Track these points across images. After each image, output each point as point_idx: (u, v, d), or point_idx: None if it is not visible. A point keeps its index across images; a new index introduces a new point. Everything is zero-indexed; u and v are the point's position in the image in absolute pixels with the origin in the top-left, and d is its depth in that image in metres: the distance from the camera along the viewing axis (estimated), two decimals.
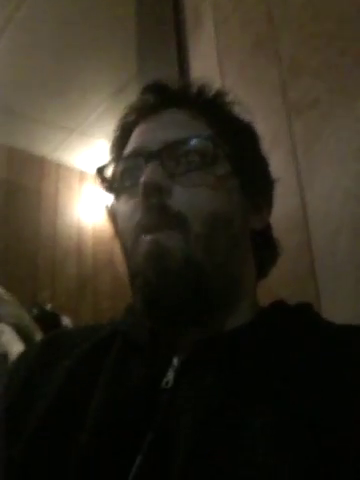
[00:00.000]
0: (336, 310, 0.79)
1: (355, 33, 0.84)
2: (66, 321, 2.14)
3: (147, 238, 0.50)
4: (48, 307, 2.19)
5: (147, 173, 0.50)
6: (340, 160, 0.83)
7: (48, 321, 2.02)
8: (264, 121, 0.96)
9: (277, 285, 0.81)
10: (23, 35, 2.18)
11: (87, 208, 3.16)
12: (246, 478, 0.39)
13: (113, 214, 0.58)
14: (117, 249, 0.59)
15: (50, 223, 2.98)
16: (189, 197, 0.51)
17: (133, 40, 1.48)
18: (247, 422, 0.42)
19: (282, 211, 0.88)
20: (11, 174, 2.90)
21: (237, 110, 0.62)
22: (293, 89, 0.93)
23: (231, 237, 0.53)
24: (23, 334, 1.70)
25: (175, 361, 0.49)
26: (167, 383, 0.48)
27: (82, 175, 3.22)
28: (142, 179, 0.50)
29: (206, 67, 1.16)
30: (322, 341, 0.49)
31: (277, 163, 0.91)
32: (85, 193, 3.18)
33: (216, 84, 1.06)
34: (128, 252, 0.54)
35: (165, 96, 0.60)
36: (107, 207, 0.60)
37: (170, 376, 0.48)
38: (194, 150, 0.53)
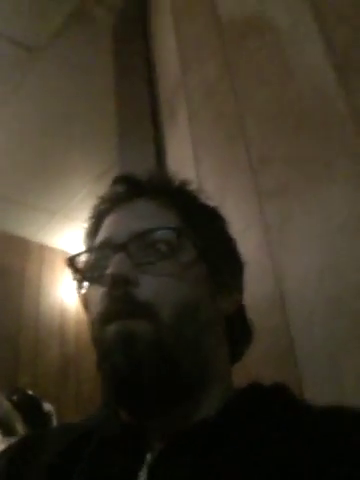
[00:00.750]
0: (317, 389, 0.79)
1: (316, 124, 0.91)
2: (48, 407, 2.06)
3: (112, 326, 0.51)
4: (29, 393, 2.12)
5: (114, 264, 0.52)
6: (311, 241, 0.87)
7: (29, 408, 1.95)
8: (237, 206, 1.01)
9: (257, 366, 0.82)
10: (12, 123, 2.28)
11: (70, 289, 3.16)
12: None
13: (85, 302, 0.60)
14: None
15: (33, 304, 2.96)
16: (156, 286, 0.52)
17: (114, 130, 1.56)
18: None
19: (259, 293, 0.91)
20: None
21: (202, 197, 0.66)
22: (263, 176, 0.99)
23: (200, 323, 0.54)
24: (3, 424, 1.65)
25: (148, 457, 0.49)
26: None
27: (65, 256, 3.21)
28: (108, 270, 0.52)
29: (182, 155, 1.23)
30: (296, 422, 0.49)
31: (251, 245, 0.96)
32: (68, 274, 3.18)
33: (191, 171, 1.13)
34: (96, 340, 0.54)
35: (134, 187, 0.63)
36: (80, 296, 0.62)
37: (143, 473, 0.47)
38: (160, 240, 0.55)
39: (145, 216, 0.58)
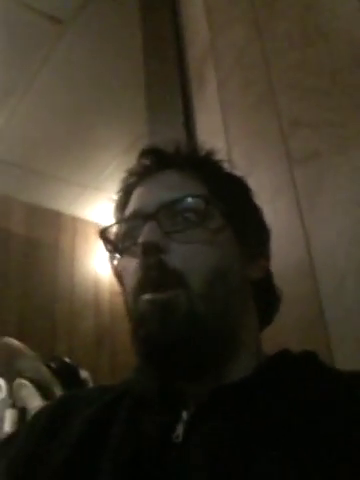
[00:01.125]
0: (347, 355, 0.79)
1: (347, 88, 0.89)
2: (84, 374, 2.12)
3: (148, 297, 0.52)
4: (67, 360, 2.18)
5: (145, 233, 0.53)
6: (342, 207, 0.85)
7: (67, 374, 2.01)
8: (267, 172, 1.00)
9: (287, 334, 0.82)
10: (41, 99, 2.30)
11: (104, 260, 3.20)
12: None
13: (118, 273, 0.61)
14: None
15: (67, 276, 3.02)
16: (185, 253, 0.54)
17: (142, 100, 1.56)
18: (258, 473, 0.42)
19: (289, 259, 0.90)
20: (29, 230, 2.97)
21: (229, 166, 0.67)
22: (293, 141, 0.97)
23: (229, 289, 0.55)
24: (42, 388, 1.71)
25: (184, 415, 0.50)
26: (177, 437, 0.48)
27: (97, 228, 3.24)
28: (140, 239, 0.53)
29: (211, 123, 1.21)
30: (327, 388, 0.50)
31: (281, 212, 0.95)
32: (101, 246, 3.22)
33: (220, 139, 1.12)
34: (130, 310, 0.56)
35: (160, 159, 0.64)
36: (113, 267, 0.63)
37: (179, 430, 0.49)
38: (188, 208, 0.56)
39: (173, 186, 0.59)
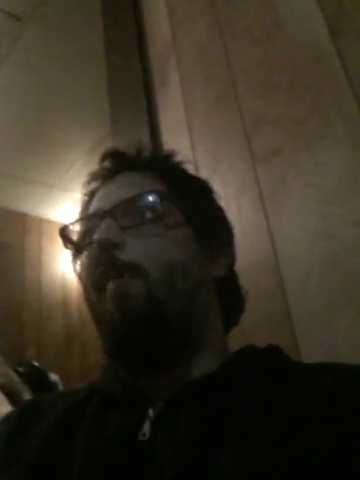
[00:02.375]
0: (313, 349, 0.80)
1: (307, 84, 0.90)
2: (54, 377, 2.10)
3: (109, 285, 0.52)
4: (35, 364, 2.15)
5: (101, 230, 0.54)
6: (305, 203, 0.86)
7: (36, 378, 1.98)
8: (231, 169, 1.01)
9: (253, 328, 0.83)
10: (1, 97, 2.25)
11: (71, 261, 3.17)
12: None
13: (79, 272, 0.61)
14: None
15: (35, 277, 2.97)
16: (142, 247, 0.54)
17: (106, 100, 1.54)
18: (222, 464, 0.43)
19: (254, 255, 0.91)
20: None
21: (189, 167, 0.68)
22: (256, 139, 0.98)
23: (190, 283, 0.56)
24: (11, 394, 1.68)
25: (150, 413, 0.50)
26: (144, 435, 0.48)
27: None
28: (96, 236, 0.54)
29: (174, 121, 1.21)
30: (290, 380, 0.51)
31: (246, 209, 0.96)
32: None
33: (184, 137, 1.12)
34: (91, 303, 0.56)
35: (121, 162, 0.65)
36: (74, 266, 0.63)
37: (146, 428, 0.49)
38: (145, 205, 0.57)
39: (132, 185, 0.60)
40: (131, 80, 1.45)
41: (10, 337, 2.61)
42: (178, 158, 0.68)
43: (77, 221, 0.63)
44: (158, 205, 0.56)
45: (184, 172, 0.68)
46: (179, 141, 1.14)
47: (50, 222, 3.21)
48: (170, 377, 0.54)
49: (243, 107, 1.02)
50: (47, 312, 2.91)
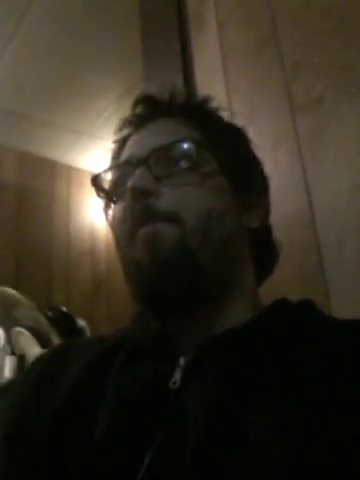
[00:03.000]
0: (345, 306, 0.79)
1: (356, 29, 0.84)
2: (81, 323, 2.15)
3: (141, 230, 0.52)
4: (63, 309, 2.21)
5: (134, 178, 0.53)
6: (345, 156, 0.83)
7: (64, 323, 2.04)
8: (269, 119, 0.97)
9: (286, 283, 0.82)
10: (32, 42, 2.20)
11: (99, 209, 3.18)
12: (258, 473, 0.39)
13: (111, 221, 0.60)
14: None
15: (63, 226, 3.00)
16: (178, 196, 0.53)
17: (138, 44, 1.49)
18: (256, 417, 0.42)
19: (289, 208, 0.89)
20: (23, 178, 2.92)
21: (225, 114, 0.65)
22: (296, 87, 0.93)
23: (225, 232, 0.55)
24: (40, 337, 1.73)
25: (181, 361, 0.50)
26: (175, 383, 0.48)
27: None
28: (129, 184, 0.53)
29: (210, 67, 1.17)
30: (324, 335, 0.50)
31: (283, 159, 0.93)
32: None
33: (220, 84, 1.08)
34: (122, 249, 0.56)
35: (154, 108, 0.63)
36: (106, 215, 0.63)
37: (177, 376, 0.49)
38: (180, 153, 0.55)
39: (166, 133, 0.58)
40: (165, 24, 1.40)
41: (39, 283, 2.66)
42: (214, 104, 0.65)
43: (109, 169, 0.62)
44: (193, 153, 0.55)
45: (220, 119, 0.65)
46: (214, 88, 1.10)
47: (79, 170, 3.20)
48: (201, 326, 0.53)
49: (283, 53, 0.98)
50: (75, 260, 2.95)
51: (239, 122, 0.66)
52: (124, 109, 0.66)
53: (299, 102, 0.92)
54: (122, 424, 0.47)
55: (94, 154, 3.09)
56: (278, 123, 0.95)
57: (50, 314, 2.01)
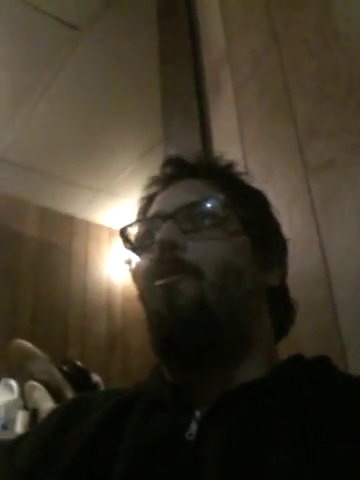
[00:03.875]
0: None
1: None
2: (96, 378, 2.13)
3: (161, 282, 0.54)
4: (78, 364, 2.19)
5: (162, 231, 0.56)
6: (357, 215, 0.85)
7: (78, 378, 2.02)
8: (283, 179, 1.00)
9: (301, 341, 0.82)
10: (58, 103, 2.33)
11: (116, 265, 3.21)
12: None
13: (135, 272, 0.62)
14: None
15: (80, 280, 3.03)
16: (202, 250, 0.55)
17: (158, 106, 1.56)
18: (271, 467, 0.43)
19: (304, 267, 0.90)
20: (43, 233, 2.99)
21: (247, 179, 0.68)
22: (309, 149, 0.97)
23: (244, 290, 0.56)
24: (53, 391, 1.71)
25: (197, 414, 0.51)
26: (190, 435, 0.49)
27: (111, 232, 3.29)
28: (158, 236, 0.55)
29: (227, 129, 1.22)
30: (338, 391, 0.50)
31: (297, 220, 0.95)
32: (114, 250, 3.25)
33: (236, 146, 1.12)
34: (145, 299, 0.57)
35: (182, 168, 0.67)
36: (131, 267, 0.65)
37: (193, 428, 0.49)
38: (207, 211, 0.58)
39: (193, 191, 0.61)
40: (184, 87, 1.47)
41: (55, 336, 2.66)
42: (237, 168, 0.69)
43: (137, 222, 0.64)
44: (219, 211, 0.57)
45: (242, 183, 0.68)
46: (231, 149, 1.15)
47: (97, 225, 3.27)
48: (217, 380, 0.54)
49: (297, 117, 1.02)
50: (91, 314, 2.96)
51: (255, 182, 0.69)
52: (143, 168, 0.70)
53: (312, 164, 0.96)
54: (138, 474, 0.47)
55: (112, 211, 3.15)
56: (292, 183, 0.98)
57: (65, 368, 1.99)
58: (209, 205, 0.58)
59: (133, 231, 0.63)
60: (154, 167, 0.72)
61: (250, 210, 0.62)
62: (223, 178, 0.65)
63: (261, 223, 0.63)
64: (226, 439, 0.47)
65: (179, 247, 0.55)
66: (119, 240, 0.63)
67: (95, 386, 2.06)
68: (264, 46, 1.16)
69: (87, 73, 2.17)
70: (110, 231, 3.29)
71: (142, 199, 0.69)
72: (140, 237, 0.62)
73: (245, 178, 0.69)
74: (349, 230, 0.86)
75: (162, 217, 0.58)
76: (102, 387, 2.10)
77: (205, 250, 0.55)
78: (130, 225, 0.63)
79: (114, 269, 3.20)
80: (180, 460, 0.47)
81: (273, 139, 1.07)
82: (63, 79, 2.19)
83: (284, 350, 0.63)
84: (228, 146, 1.18)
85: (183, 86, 1.48)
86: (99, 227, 3.27)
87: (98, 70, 2.16)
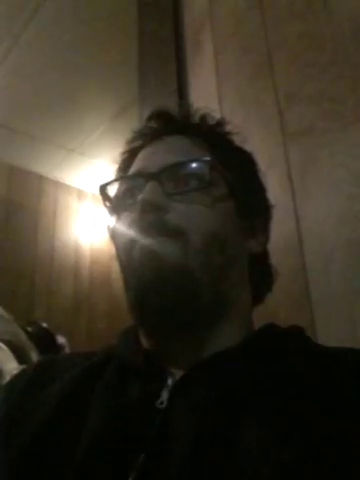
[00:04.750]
0: (331, 333, 0.79)
1: (348, 61, 0.87)
2: (61, 340, 2.12)
3: (145, 242, 0.52)
4: (44, 325, 2.18)
5: (145, 191, 0.53)
6: (334, 184, 0.85)
7: (43, 339, 2.01)
8: (261, 145, 0.98)
9: (272, 308, 0.82)
10: (28, 56, 2.23)
11: (85, 227, 3.18)
12: None
13: (114, 232, 0.60)
14: (114, 268, 0.60)
15: (48, 241, 2.99)
16: (186, 213, 0.53)
17: (134, 64, 1.51)
18: (240, 438, 0.43)
19: (277, 234, 0.89)
20: (10, 192, 2.92)
21: (236, 140, 0.65)
22: (289, 115, 0.95)
23: (227, 255, 0.55)
24: (18, 352, 1.70)
25: (169, 381, 0.50)
26: (161, 403, 0.48)
27: (80, 194, 3.24)
28: (140, 197, 0.53)
29: (205, 92, 1.19)
30: (312, 363, 0.50)
31: (273, 186, 0.94)
32: (83, 212, 3.20)
33: (214, 108, 1.09)
34: (124, 258, 0.55)
35: (169, 123, 0.64)
36: (109, 226, 0.62)
37: (164, 396, 0.48)
38: (192, 173, 0.56)
39: (179, 150, 0.59)
40: (163, 47, 1.42)
41: (20, 297, 2.63)
42: (227, 128, 0.66)
43: (119, 179, 0.62)
44: (206, 174, 0.55)
45: (232, 143, 0.66)
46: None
47: (66, 186, 3.21)
48: (191, 347, 0.53)
49: (278, 82, 1.00)
50: (58, 276, 2.93)
51: None
52: (115, 129, 0.66)
53: (291, 130, 0.94)
54: (106, 443, 0.47)
55: (82, 171, 3.09)
56: (270, 149, 0.97)
57: (30, 329, 1.98)
58: (196, 167, 0.56)
59: (114, 188, 0.60)
60: (127, 128, 0.69)
61: (238, 174, 0.60)
62: (212, 137, 0.63)
63: (248, 188, 0.61)
64: (195, 410, 0.46)
65: (162, 209, 0.53)
66: (88, 202, 0.61)
67: (60, 348, 2.06)
68: (247, 6, 1.13)
69: (60, 26, 2.07)
70: (79, 192, 3.23)
71: (124, 153, 0.66)
72: (121, 195, 0.59)
73: (235, 138, 0.66)
74: (324, 200, 0.86)
75: (145, 176, 0.56)
76: (67, 349, 2.10)
77: (190, 214, 0.53)
78: (111, 182, 0.60)
79: (82, 231, 3.16)
80: (149, 429, 0.46)
81: (252, 103, 1.05)
82: (33, 31, 2.09)
83: (255, 316, 0.63)
84: (206, 109, 1.15)
85: (162, 45, 1.43)
86: (68, 188, 3.21)
87: (72, 23, 2.06)
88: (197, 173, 0.56)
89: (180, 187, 0.55)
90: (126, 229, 0.55)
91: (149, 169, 0.57)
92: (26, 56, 2.23)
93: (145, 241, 0.52)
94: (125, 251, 0.55)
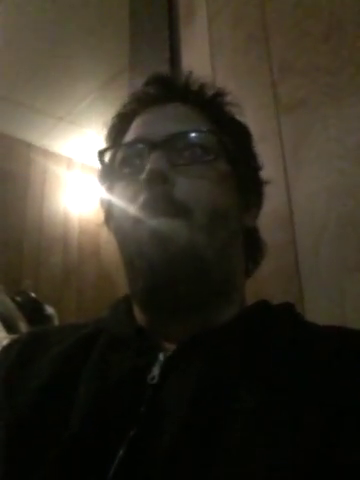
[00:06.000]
0: (319, 307, 0.80)
1: (343, 35, 0.85)
2: (50, 310, 2.13)
3: (152, 222, 0.50)
4: (32, 295, 2.18)
5: (152, 161, 0.51)
6: (327, 159, 0.84)
7: (32, 309, 2.02)
8: (253, 117, 0.97)
9: (261, 282, 0.82)
10: (15, 21, 2.15)
11: (74, 197, 3.14)
12: (231, 472, 0.39)
13: (106, 200, 0.59)
14: (103, 239, 0.59)
15: (36, 210, 2.95)
16: (193, 188, 0.52)
17: (126, 31, 1.47)
18: (233, 412, 0.43)
19: (268, 208, 0.89)
20: None
21: (235, 111, 0.64)
22: (282, 87, 0.94)
23: (229, 231, 0.55)
24: (6, 321, 1.70)
25: (161, 357, 0.50)
26: (153, 378, 0.48)
27: (70, 162, 3.19)
28: (148, 166, 0.51)
29: (198, 61, 1.16)
30: (301, 338, 0.50)
31: (265, 159, 0.93)
32: (72, 181, 3.16)
33: (207, 78, 1.07)
34: (127, 235, 0.54)
35: (169, 89, 0.61)
36: (101, 195, 0.61)
37: (155, 372, 0.48)
38: (197, 143, 0.54)
39: (181, 119, 0.57)
40: (154, 14, 1.38)
41: (9, 267, 2.62)
42: (228, 98, 0.64)
43: (118, 146, 0.59)
44: (212, 146, 0.54)
45: (231, 115, 0.64)
46: None
47: (56, 155, 3.16)
48: (188, 323, 0.53)
49: (272, 52, 0.98)
50: (47, 245, 2.91)
51: None
52: (105, 97, 0.64)
53: (284, 102, 0.93)
54: (97, 416, 0.46)
55: (72, 140, 3.04)
56: (262, 122, 0.96)
57: (18, 299, 1.98)
58: (201, 137, 0.54)
59: (111, 154, 0.58)
60: (117, 97, 0.66)
61: (239, 148, 0.59)
62: (213, 107, 0.61)
63: (248, 163, 0.61)
64: (187, 385, 0.46)
65: (168, 181, 0.51)
66: (77, 171, 0.59)
67: (49, 318, 2.07)
68: None
69: None
70: (69, 161, 3.18)
71: (115, 117, 0.63)
72: (119, 163, 0.57)
73: (234, 110, 0.64)
74: (316, 173, 0.85)
75: (148, 145, 0.54)
76: (56, 319, 2.11)
77: (195, 189, 0.52)
78: (109, 148, 0.59)
79: (71, 201, 3.13)
80: (140, 404, 0.46)
81: (245, 74, 1.03)
82: None
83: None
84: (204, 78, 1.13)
85: (154, 12, 1.39)
86: (58, 156, 3.16)
87: None
88: (202, 144, 0.54)
89: (184, 158, 0.54)
90: (129, 198, 0.53)
91: (151, 137, 0.54)
92: (14, 23, 2.16)
93: (152, 222, 0.50)
94: (128, 223, 0.53)
